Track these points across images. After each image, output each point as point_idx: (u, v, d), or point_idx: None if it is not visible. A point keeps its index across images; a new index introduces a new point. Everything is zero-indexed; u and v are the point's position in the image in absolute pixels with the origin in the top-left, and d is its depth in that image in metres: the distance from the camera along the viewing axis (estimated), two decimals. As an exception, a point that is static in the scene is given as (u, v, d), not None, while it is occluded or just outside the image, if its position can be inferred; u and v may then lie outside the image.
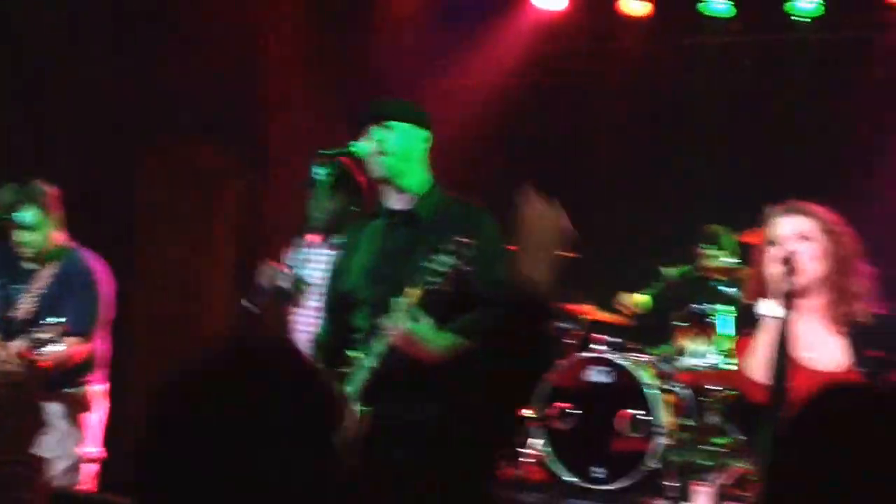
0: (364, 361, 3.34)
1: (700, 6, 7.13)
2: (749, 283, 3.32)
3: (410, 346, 3.18)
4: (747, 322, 3.25)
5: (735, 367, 5.48)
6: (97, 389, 4.59)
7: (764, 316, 3.05)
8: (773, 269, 3.10)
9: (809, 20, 7.15)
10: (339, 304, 3.59)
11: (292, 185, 5.82)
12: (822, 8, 6.96)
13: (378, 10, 7.27)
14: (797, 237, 3.14)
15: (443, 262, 3.08)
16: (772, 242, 3.18)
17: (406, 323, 3.15)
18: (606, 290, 7.01)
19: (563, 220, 1.83)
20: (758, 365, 3.03)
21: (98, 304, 4.50)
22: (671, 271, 6.67)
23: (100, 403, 4.61)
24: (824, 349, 3.15)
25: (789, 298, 3.03)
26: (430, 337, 3.20)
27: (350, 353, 3.44)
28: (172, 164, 6.13)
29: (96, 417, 4.59)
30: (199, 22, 6.05)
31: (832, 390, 1.41)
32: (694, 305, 5.93)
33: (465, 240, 3.08)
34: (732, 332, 5.62)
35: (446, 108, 7.40)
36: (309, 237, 4.39)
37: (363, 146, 3.44)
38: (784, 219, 3.19)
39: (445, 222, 3.37)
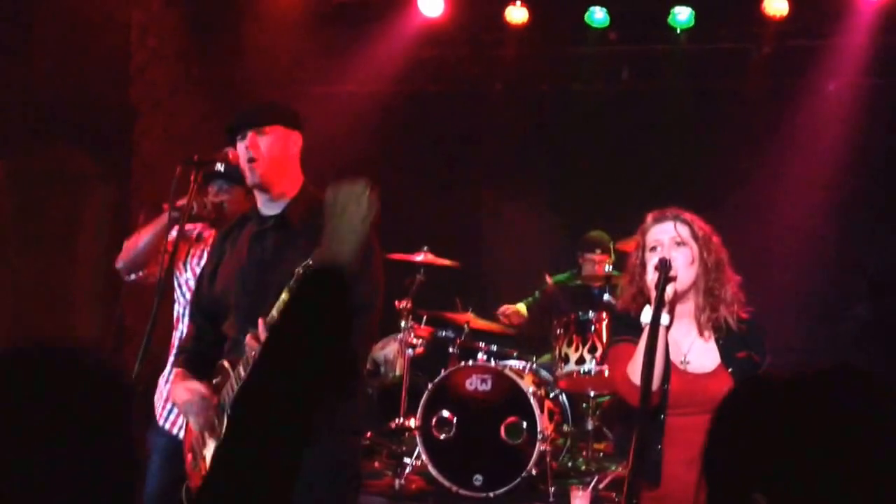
0: (234, 372, 3.26)
1: (586, 17, 7.25)
2: (624, 289, 3.36)
3: None
4: (623, 328, 3.29)
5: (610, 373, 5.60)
6: None
7: (645, 322, 3.07)
8: (651, 275, 3.13)
9: (679, 31, 7.33)
10: (207, 310, 3.51)
11: (163, 189, 5.65)
12: (694, 19, 7.16)
13: (255, 11, 7.13)
14: (672, 243, 3.19)
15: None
16: (648, 248, 3.24)
17: None
18: (491, 297, 7.05)
19: (366, 196, 1.82)
20: (638, 369, 3.03)
21: None
22: (553, 278, 6.75)
23: None
24: (696, 352, 3.21)
25: (666, 303, 3.08)
26: None
27: (220, 361, 3.36)
28: (35, 169, 5.88)
29: None
30: (64, 20, 5.81)
31: (748, 385, 1.49)
32: (575, 312, 5.99)
33: None
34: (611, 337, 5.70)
35: (328, 114, 7.35)
36: (206, 233, 4.29)
37: (240, 151, 3.38)
38: (660, 226, 3.25)
39: (315, 226, 3.29)
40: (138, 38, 6.35)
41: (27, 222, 5.92)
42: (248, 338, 3.09)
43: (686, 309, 3.23)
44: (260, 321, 3.07)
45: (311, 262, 2.93)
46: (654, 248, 3.21)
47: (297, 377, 1.67)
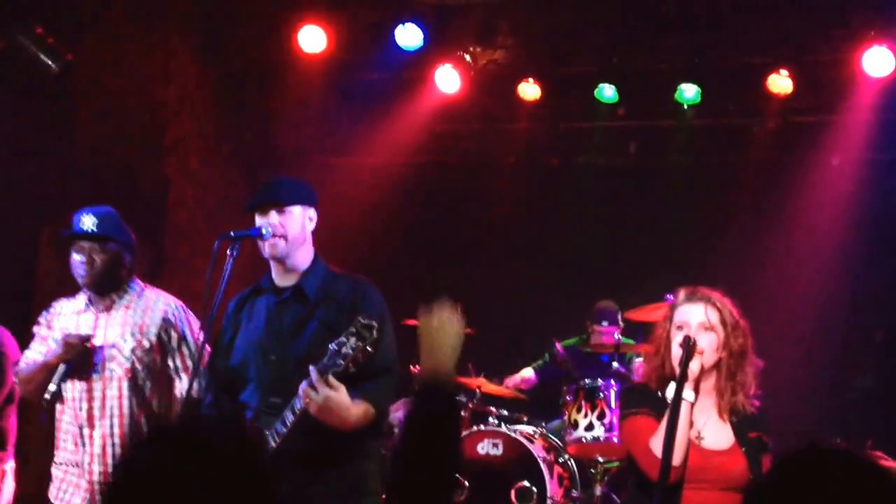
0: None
1: (596, 93, 7.45)
2: (648, 360, 3.43)
3: (327, 414, 3.22)
4: (638, 399, 3.36)
5: (619, 440, 5.70)
6: (4, 468, 4.39)
7: (669, 398, 3.14)
8: (675, 352, 3.21)
9: (685, 107, 7.51)
10: (223, 381, 3.62)
11: (192, 259, 5.83)
12: (700, 96, 7.34)
13: (282, 88, 7.39)
14: (700, 327, 3.25)
15: (350, 345, 3.17)
16: (675, 327, 3.29)
17: (324, 390, 3.19)
18: (501, 363, 7.15)
19: (458, 322, 2.18)
20: (661, 444, 3.09)
21: (3, 376, 4.33)
22: (562, 343, 6.85)
23: (6, 484, 4.39)
24: (711, 430, 3.27)
25: (691, 381, 3.16)
26: (347, 405, 3.25)
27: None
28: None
29: (4, 500, 4.37)
30: (104, 98, 6.08)
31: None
32: (584, 378, 6.07)
33: (367, 322, 3.17)
34: (619, 405, 5.81)
35: (349, 184, 7.58)
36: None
37: (266, 229, 3.53)
38: (690, 306, 3.30)
39: (332, 297, 3.47)
40: (173, 114, 6.61)
41: (69, 285, 6.08)
42: (304, 386, 3.22)
43: (706, 387, 3.28)
44: (312, 369, 3.20)
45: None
46: (680, 327, 3.26)
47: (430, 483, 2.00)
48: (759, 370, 3.31)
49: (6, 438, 4.41)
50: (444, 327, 2.23)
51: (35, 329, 4.25)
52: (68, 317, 4.19)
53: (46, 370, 3.95)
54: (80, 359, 3.95)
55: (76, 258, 4.06)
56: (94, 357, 4.00)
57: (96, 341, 4.02)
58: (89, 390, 4.00)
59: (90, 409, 3.97)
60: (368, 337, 3.16)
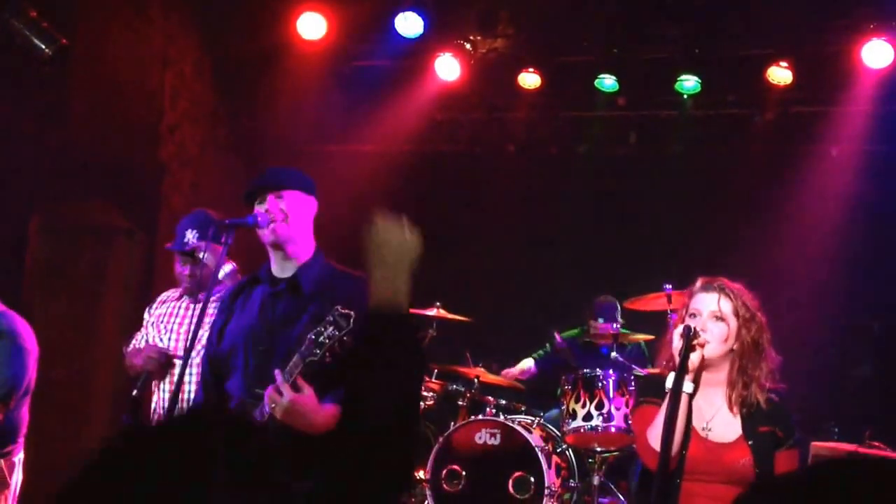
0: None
1: (596, 83, 7.44)
2: (661, 350, 3.39)
3: (292, 418, 3.17)
4: (652, 389, 3.33)
5: (617, 429, 5.71)
6: (15, 460, 4.38)
7: (668, 388, 3.11)
8: (676, 341, 3.17)
9: (685, 97, 7.50)
10: (214, 369, 3.60)
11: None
12: (700, 86, 7.33)
13: (279, 74, 7.39)
14: (711, 316, 3.22)
15: (325, 334, 3.13)
16: (689, 315, 3.26)
17: (288, 394, 3.16)
18: (499, 352, 7.16)
19: (412, 234, 1.93)
20: (657, 435, 3.08)
21: (23, 368, 4.30)
22: (562, 335, 6.86)
23: (16, 475, 4.38)
24: (719, 422, 3.23)
25: (690, 371, 3.12)
26: (314, 408, 3.19)
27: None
28: (67, 223, 6.07)
29: (13, 490, 4.35)
30: (99, 82, 6.06)
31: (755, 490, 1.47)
32: (583, 368, 6.07)
33: (345, 311, 3.12)
34: (617, 394, 5.81)
35: (347, 171, 7.57)
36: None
37: (262, 216, 3.49)
38: (704, 295, 3.26)
39: (327, 292, 3.41)
40: (169, 100, 6.60)
41: (59, 274, 6.09)
42: (270, 390, 3.19)
43: (717, 379, 3.24)
44: (277, 373, 3.18)
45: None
46: (693, 315, 3.23)
47: (374, 417, 1.74)
48: (776, 366, 3.25)
49: (18, 430, 4.41)
50: (392, 239, 1.99)
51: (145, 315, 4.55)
52: (168, 303, 4.47)
53: (134, 371, 4.27)
54: (161, 370, 4.21)
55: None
56: (176, 367, 4.16)
57: (185, 330, 4.23)
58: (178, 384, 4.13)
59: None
60: (345, 326, 3.10)
